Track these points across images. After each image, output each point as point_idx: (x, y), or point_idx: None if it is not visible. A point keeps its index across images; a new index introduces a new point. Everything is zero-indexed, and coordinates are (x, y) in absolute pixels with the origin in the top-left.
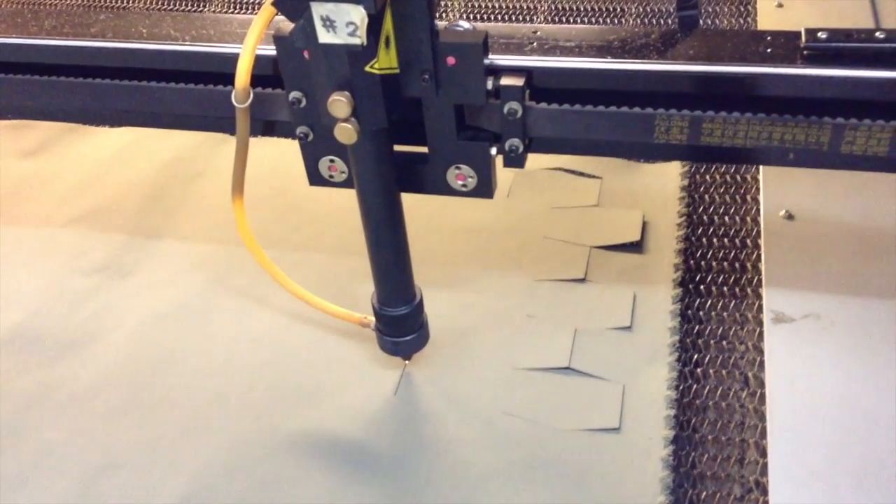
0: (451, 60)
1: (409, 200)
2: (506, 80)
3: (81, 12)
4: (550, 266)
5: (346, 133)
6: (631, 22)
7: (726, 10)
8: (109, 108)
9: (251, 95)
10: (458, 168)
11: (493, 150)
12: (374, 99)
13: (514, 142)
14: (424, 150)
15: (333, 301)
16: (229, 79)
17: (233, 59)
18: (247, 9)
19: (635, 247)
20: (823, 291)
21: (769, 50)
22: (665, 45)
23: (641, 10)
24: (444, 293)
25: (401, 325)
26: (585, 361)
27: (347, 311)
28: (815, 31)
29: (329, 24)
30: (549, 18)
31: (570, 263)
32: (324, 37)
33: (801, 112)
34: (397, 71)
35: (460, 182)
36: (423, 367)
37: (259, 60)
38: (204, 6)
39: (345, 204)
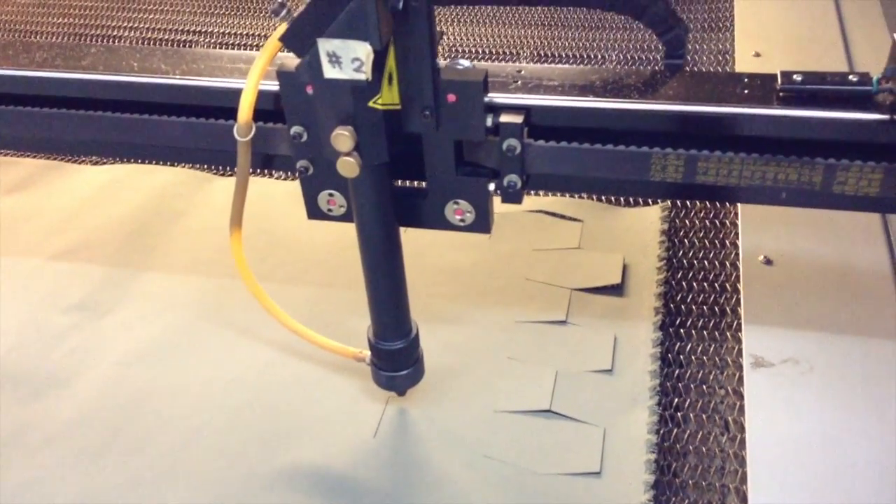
0: (451, 97)
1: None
2: (505, 118)
3: (73, 45)
4: (531, 308)
5: (348, 167)
6: (612, 65)
7: (705, 58)
8: (109, 141)
9: (253, 129)
10: (456, 203)
11: (492, 186)
12: (377, 134)
13: (513, 178)
14: (422, 184)
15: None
16: (229, 113)
17: (233, 94)
18: (234, 46)
19: (616, 289)
20: (802, 336)
21: (746, 91)
22: (652, 86)
23: (622, 56)
24: (425, 333)
25: (396, 359)
26: (566, 404)
27: (342, 345)
28: (791, 73)
29: (335, 59)
30: (531, 62)
31: (551, 305)
32: (329, 72)
33: (792, 153)
34: (399, 107)
35: (458, 217)
36: (404, 408)
37: (259, 95)
38: (191, 45)
39: (327, 240)
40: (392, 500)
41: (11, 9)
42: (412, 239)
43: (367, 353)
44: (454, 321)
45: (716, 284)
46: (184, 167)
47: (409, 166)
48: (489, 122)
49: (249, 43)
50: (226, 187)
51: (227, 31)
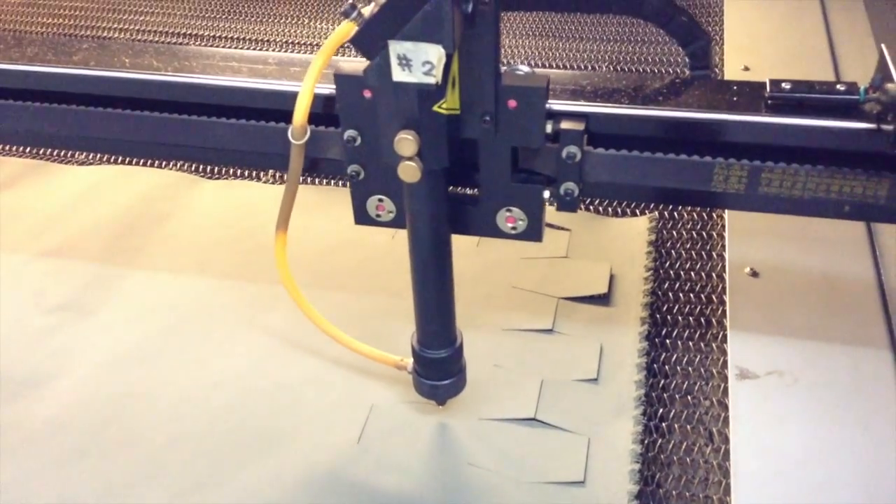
0: (512, 103)
1: (381, 243)
2: (566, 125)
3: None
4: (518, 316)
5: (410, 171)
6: (603, 69)
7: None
8: (156, 141)
9: (308, 133)
10: (508, 210)
11: (546, 194)
12: (440, 138)
13: (570, 185)
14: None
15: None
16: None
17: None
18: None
19: (602, 299)
20: (787, 348)
21: (736, 99)
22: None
23: (612, 67)
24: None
25: (440, 368)
26: (551, 413)
27: (383, 353)
28: (780, 81)
29: (405, 62)
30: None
31: (538, 314)
32: (399, 75)
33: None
34: (458, 111)
35: (510, 224)
36: (388, 415)
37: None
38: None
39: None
40: None
41: (0, 7)
42: (400, 245)
43: (409, 361)
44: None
45: (702, 295)
46: (171, 169)
47: (460, 172)
48: (549, 128)
49: (239, 47)
50: (213, 190)
51: (217, 35)
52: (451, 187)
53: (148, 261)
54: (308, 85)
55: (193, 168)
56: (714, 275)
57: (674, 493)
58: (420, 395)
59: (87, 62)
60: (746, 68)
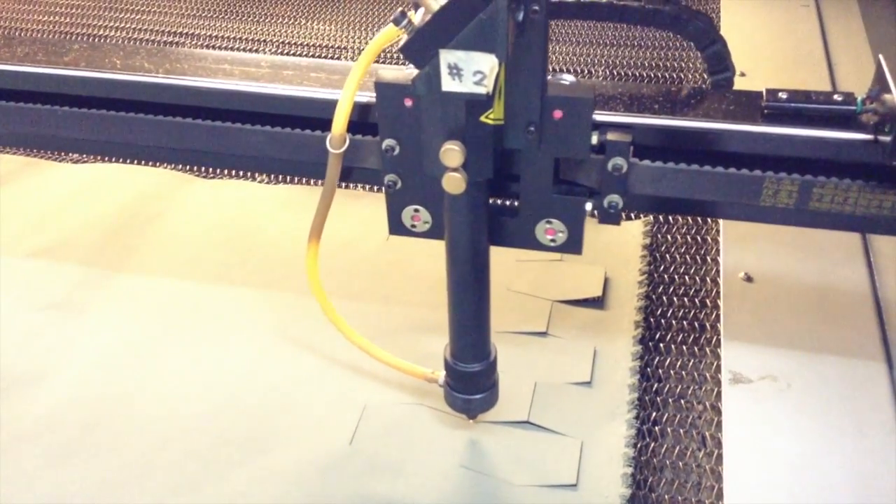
0: (557, 114)
1: (371, 245)
2: (613, 136)
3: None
4: (512, 318)
5: (455, 183)
6: (600, 73)
7: (690, 76)
8: (193, 148)
9: (347, 141)
10: (549, 222)
11: (588, 206)
12: (486, 149)
13: (615, 198)
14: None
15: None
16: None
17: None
18: (221, 49)
19: (597, 302)
20: (781, 353)
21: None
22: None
23: (608, 72)
24: (405, 341)
25: (474, 382)
26: (544, 416)
27: (413, 365)
28: (776, 91)
29: (456, 72)
30: None
31: (532, 316)
32: (448, 85)
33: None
34: (502, 122)
35: (549, 237)
36: (381, 416)
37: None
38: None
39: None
40: None
41: None
42: (396, 247)
43: (440, 374)
44: (436, 330)
45: (696, 300)
46: (165, 168)
47: (499, 183)
48: (594, 139)
49: (237, 46)
50: (206, 189)
51: (214, 35)
52: (500, 195)
53: (141, 260)
54: (348, 93)
55: (187, 167)
56: (708, 279)
57: (666, 497)
58: (452, 408)
59: (78, 63)
60: (743, 74)
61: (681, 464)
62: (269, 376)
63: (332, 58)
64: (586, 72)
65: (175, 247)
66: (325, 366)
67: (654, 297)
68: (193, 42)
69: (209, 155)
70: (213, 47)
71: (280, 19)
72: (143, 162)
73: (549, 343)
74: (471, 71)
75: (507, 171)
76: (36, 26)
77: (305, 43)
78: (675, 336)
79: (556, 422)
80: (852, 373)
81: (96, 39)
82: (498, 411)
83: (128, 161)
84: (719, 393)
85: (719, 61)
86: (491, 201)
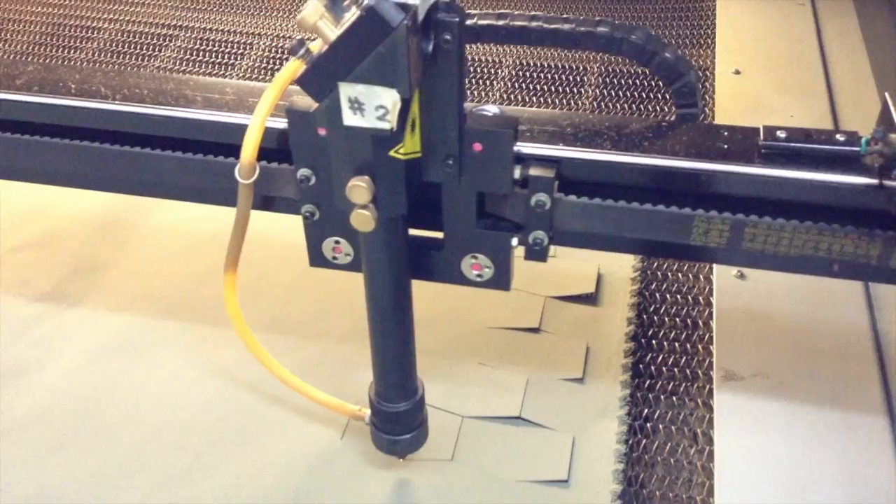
0: (477, 147)
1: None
2: (536, 171)
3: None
4: (505, 314)
5: (363, 220)
6: (593, 80)
7: None
8: (99, 173)
9: (257, 171)
10: (474, 257)
11: (514, 241)
12: (397, 185)
13: (539, 234)
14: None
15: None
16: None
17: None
18: (214, 42)
19: (590, 299)
20: (773, 351)
21: (727, 146)
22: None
23: (603, 69)
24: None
25: (399, 422)
26: (536, 412)
27: (341, 401)
28: (775, 128)
29: (357, 106)
30: (514, 72)
31: (525, 312)
32: (350, 119)
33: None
34: (419, 154)
35: (475, 272)
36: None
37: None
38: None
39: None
40: (357, 500)
41: None
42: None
43: (367, 412)
44: (426, 325)
45: (689, 297)
46: None
47: (424, 214)
48: (517, 174)
49: (229, 39)
50: None
51: (207, 27)
52: (417, 229)
53: (133, 252)
54: (257, 121)
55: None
56: (701, 276)
57: (657, 493)
58: (378, 449)
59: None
60: (737, 71)
61: (672, 460)
62: (260, 370)
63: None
64: (582, 68)
65: (167, 239)
66: (318, 360)
67: (646, 293)
68: (188, 34)
69: (126, 182)
70: (208, 40)
71: (275, 13)
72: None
73: (542, 339)
74: (373, 105)
75: (433, 201)
76: (29, 17)
77: (300, 37)
78: (668, 333)
79: (547, 418)
80: (843, 371)
81: (89, 31)
82: (490, 407)
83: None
84: (711, 390)
85: (688, 96)
86: (418, 233)
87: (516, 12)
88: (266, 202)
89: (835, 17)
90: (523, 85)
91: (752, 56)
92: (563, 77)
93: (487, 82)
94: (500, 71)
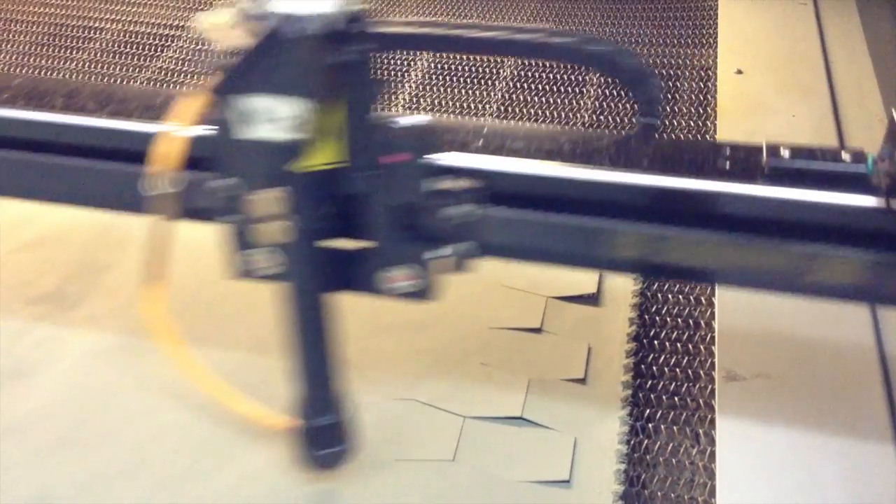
0: (391, 158)
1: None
2: (454, 183)
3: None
4: (506, 315)
5: (276, 232)
6: (592, 93)
7: (687, 73)
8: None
9: (168, 182)
10: (395, 269)
11: (438, 253)
12: (310, 197)
13: (461, 247)
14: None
15: None
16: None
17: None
18: None
19: (591, 299)
20: (775, 351)
21: (729, 164)
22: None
23: (601, 80)
24: (396, 336)
25: (320, 437)
26: (538, 412)
27: (268, 413)
28: (777, 147)
29: (263, 117)
30: (512, 84)
31: (527, 313)
32: (257, 131)
33: (765, 232)
34: (337, 165)
35: (396, 284)
36: (374, 410)
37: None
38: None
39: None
40: (358, 501)
41: None
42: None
43: (290, 425)
44: (428, 325)
45: (690, 297)
46: None
47: (348, 225)
48: (438, 185)
49: None
50: None
51: None
52: (340, 239)
53: (133, 253)
54: (175, 130)
55: None
56: None
57: (659, 493)
58: (300, 462)
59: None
60: (739, 71)
61: (674, 460)
62: (261, 371)
63: None
64: (581, 67)
65: None
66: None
67: (648, 294)
68: (189, 35)
69: (50, 192)
70: (209, 40)
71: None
72: None
73: (544, 339)
74: (275, 117)
75: (352, 214)
76: (29, 17)
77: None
78: (670, 333)
79: (549, 418)
80: (845, 371)
81: (91, 31)
82: (492, 407)
83: None
84: (713, 390)
85: (651, 104)
86: (341, 244)
87: (435, 19)
88: (187, 212)
89: (837, 17)
90: (525, 86)
91: (754, 56)
92: (566, 77)
93: (488, 82)
94: (501, 71)
